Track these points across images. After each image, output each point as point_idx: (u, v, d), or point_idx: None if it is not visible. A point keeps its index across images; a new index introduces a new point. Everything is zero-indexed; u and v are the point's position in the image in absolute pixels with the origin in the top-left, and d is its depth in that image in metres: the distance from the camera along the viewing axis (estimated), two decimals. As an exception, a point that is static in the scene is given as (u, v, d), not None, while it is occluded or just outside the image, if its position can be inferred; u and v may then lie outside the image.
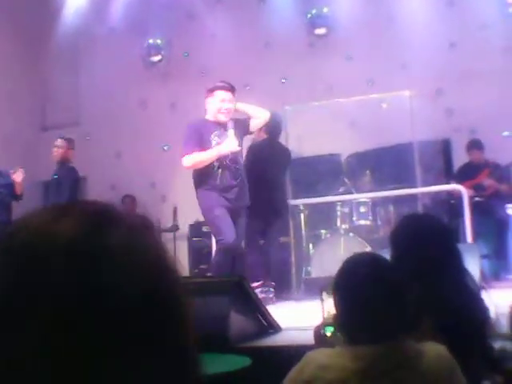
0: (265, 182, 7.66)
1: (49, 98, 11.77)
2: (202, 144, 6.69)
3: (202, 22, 11.00)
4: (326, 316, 3.60)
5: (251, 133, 7.31)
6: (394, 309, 2.17)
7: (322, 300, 3.70)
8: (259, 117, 7.16)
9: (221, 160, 6.66)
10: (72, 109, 11.64)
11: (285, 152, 8.29)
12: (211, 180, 6.69)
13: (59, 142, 9.07)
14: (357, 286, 2.21)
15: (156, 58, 11.58)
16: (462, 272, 2.84)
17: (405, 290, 2.25)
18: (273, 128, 8.08)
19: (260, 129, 7.87)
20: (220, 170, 6.68)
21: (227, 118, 6.80)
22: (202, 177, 6.76)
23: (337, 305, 2.28)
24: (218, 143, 6.70)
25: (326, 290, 3.74)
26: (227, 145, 6.64)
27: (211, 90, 6.93)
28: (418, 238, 2.87)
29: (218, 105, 6.84)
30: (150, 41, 11.50)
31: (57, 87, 11.52)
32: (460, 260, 2.87)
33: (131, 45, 11.27)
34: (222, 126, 6.80)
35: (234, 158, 6.74)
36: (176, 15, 11.04)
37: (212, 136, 6.74)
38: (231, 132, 6.69)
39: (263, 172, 7.71)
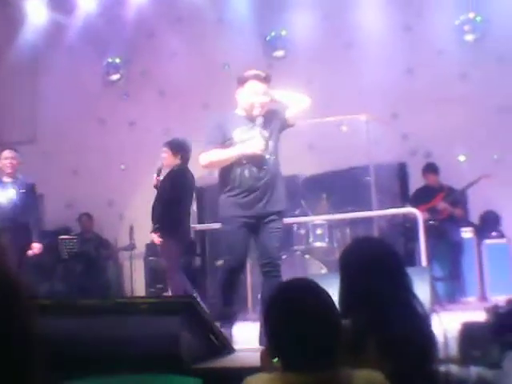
0: (183, 207, 7.73)
1: (5, 114, 11.66)
2: (224, 141, 5.80)
3: (161, 41, 11.03)
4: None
5: (292, 125, 6.04)
6: (328, 337, 2.16)
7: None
8: (296, 105, 5.94)
9: (242, 160, 5.72)
10: (29, 125, 11.55)
11: (193, 178, 8.02)
12: (231, 182, 5.78)
13: (12, 153, 8.55)
14: (289, 312, 2.20)
15: (115, 77, 11.57)
16: (409, 296, 2.86)
17: (338, 317, 2.25)
18: (186, 154, 7.96)
19: (175, 155, 7.82)
20: (240, 171, 5.74)
21: (258, 115, 5.79)
22: (223, 178, 5.88)
23: (269, 330, 2.27)
24: (242, 142, 5.77)
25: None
26: (252, 144, 5.70)
27: (242, 81, 5.89)
28: (365, 261, 2.88)
29: (249, 99, 5.81)
30: (109, 59, 11.49)
31: (13, 103, 11.45)
32: (407, 284, 2.89)
33: (90, 63, 11.27)
34: (252, 121, 5.82)
35: (259, 158, 5.72)
36: (135, 34, 11.05)
37: (236, 133, 5.80)
38: (258, 130, 5.75)
39: (181, 199, 7.71)
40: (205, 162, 5.88)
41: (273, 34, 10.85)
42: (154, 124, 10.88)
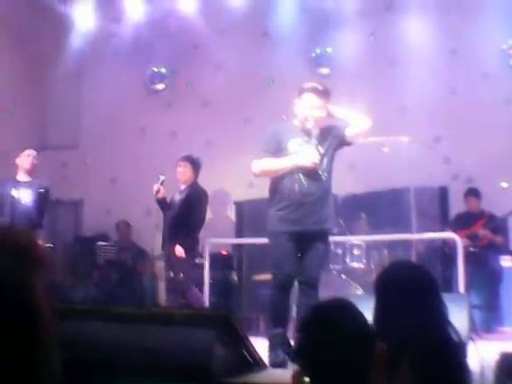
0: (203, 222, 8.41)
1: (50, 119, 11.78)
2: (279, 150, 5.74)
3: (206, 53, 11.06)
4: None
5: (349, 144, 5.98)
6: (362, 359, 2.13)
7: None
8: (357, 125, 5.89)
9: (294, 172, 5.64)
10: (72, 131, 11.65)
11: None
12: (280, 196, 5.73)
13: (34, 152, 8.71)
14: (323, 332, 2.17)
15: (159, 86, 11.63)
16: (443, 322, 2.81)
17: (373, 339, 2.21)
18: (199, 171, 8.48)
19: (195, 171, 8.32)
20: (290, 185, 5.67)
21: (314, 128, 5.72)
22: (273, 192, 5.83)
23: (302, 349, 2.25)
24: (296, 153, 5.71)
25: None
26: (305, 156, 5.62)
27: (300, 92, 5.82)
28: (402, 285, 2.85)
29: (305, 111, 5.76)
30: (155, 69, 11.56)
31: (58, 108, 11.56)
32: (442, 310, 2.85)
33: (135, 71, 11.34)
34: (307, 134, 5.75)
35: (311, 173, 5.64)
36: (181, 44, 11.10)
37: (291, 144, 5.74)
38: (313, 142, 5.66)
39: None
40: (257, 169, 5.84)
41: (318, 50, 10.83)
42: (195, 135, 10.91)
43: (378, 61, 10.29)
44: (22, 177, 8.54)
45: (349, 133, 5.87)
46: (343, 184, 9.72)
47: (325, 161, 5.77)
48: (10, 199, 8.36)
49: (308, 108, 5.75)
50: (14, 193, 8.38)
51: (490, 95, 9.76)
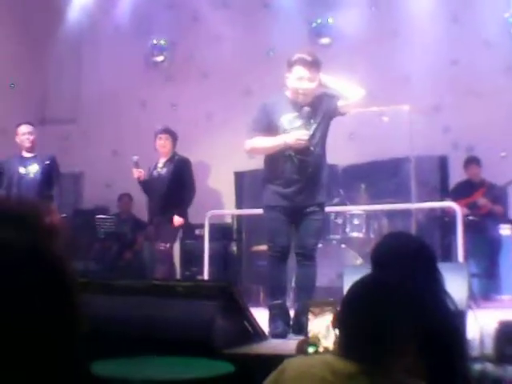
0: None
1: (49, 92, 11.76)
2: (270, 128, 5.76)
3: (206, 25, 11.01)
4: (310, 335, 3.58)
5: (343, 114, 5.91)
6: (391, 335, 2.15)
7: (307, 319, 3.68)
8: (350, 96, 5.82)
9: (286, 150, 5.67)
10: (72, 104, 11.63)
11: None
12: (274, 172, 5.80)
13: (29, 128, 8.66)
14: (365, 304, 2.20)
15: (159, 58, 11.58)
16: (440, 293, 2.82)
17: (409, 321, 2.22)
18: (176, 142, 8.60)
19: (174, 143, 8.45)
20: (283, 162, 5.71)
21: (305, 101, 5.72)
22: (267, 167, 5.90)
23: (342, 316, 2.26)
24: (286, 131, 5.72)
25: (311, 308, 3.73)
26: (295, 135, 5.63)
27: (289, 64, 5.75)
28: (396, 257, 2.85)
29: (294, 83, 5.72)
30: (154, 41, 11.51)
31: (58, 82, 11.52)
32: (439, 281, 2.85)
33: (135, 44, 11.29)
34: (299, 108, 5.73)
35: (303, 149, 5.66)
36: (181, 16, 11.06)
37: (283, 120, 5.73)
38: (304, 121, 5.68)
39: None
40: (248, 148, 5.93)
41: (319, 21, 10.77)
42: (196, 107, 10.90)
43: (379, 31, 10.24)
44: (26, 153, 8.59)
45: (341, 103, 5.82)
46: (343, 154, 9.73)
47: (317, 134, 5.77)
48: (16, 176, 8.44)
49: (297, 80, 5.71)
50: (21, 170, 8.45)
51: (492, 64, 9.73)
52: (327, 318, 3.63)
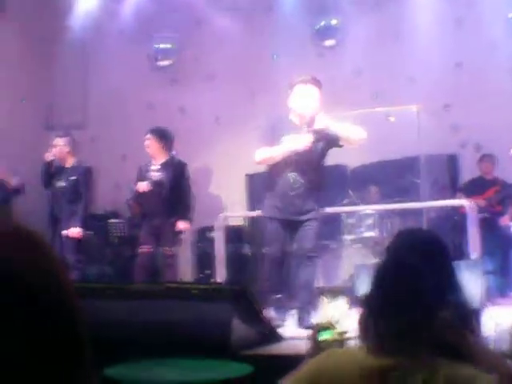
0: None
1: (56, 98, 11.78)
2: (275, 143, 6.17)
3: (210, 28, 11.02)
4: (323, 321, 3.62)
5: (340, 146, 6.36)
6: (421, 327, 2.16)
7: (320, 304, 3.71)
8: (351, 141, 6.33)
9: (286, 167, 6.15)
10: (79, 110, 11.65)
11: None
12: (272, 186, 6.35)
13: (61, 140, 8.74)
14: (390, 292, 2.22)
15: (165, 62, 11.59)
16: (454, 290, 2.82)
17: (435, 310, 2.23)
18: (171, 143, 8.58)
19: (160, 144, 8.38)
20: (280, 179, 6.23)
21: (308, 116, 6.11)
22: (268, 179, 6.47)
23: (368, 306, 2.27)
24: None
25: (324, 295, 3.76)
26: (298, 139, 6.04)
27: (290, 85, 6.21)
28: (410, 253, 2.86)
29: (297, 101, 6.14)
30: (160, 45, 11.52)
31: (64, 88, 11.54)
32: (454, 277, 2.86)
33: (140, 48, 11.30)
34: (301, 128, 6.12)
35: (302, 169, 6.18)
36: (185, 20, 11.07)
37: (286, 138, 6.13)
38: (305, 129, 6.06)
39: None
40: (258, 159, 6.35)
41: (323, 23, 10.76)
42: (203, 110, 10.91)
43: (383, 32, 10.24)
44: (66, 165, 8.71)
45: (342, 142, 6.26)
46: (352, 155, 9.74)
47: (314, 154, 6.18)
48: (53, 188, 8.62)
49: (299, 98, 6.14)
50: (57, 182, 8.59)
51: (496, 65, 9.72)
52: (340, 303, 3.67)
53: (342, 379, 2.15)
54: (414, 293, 2.19)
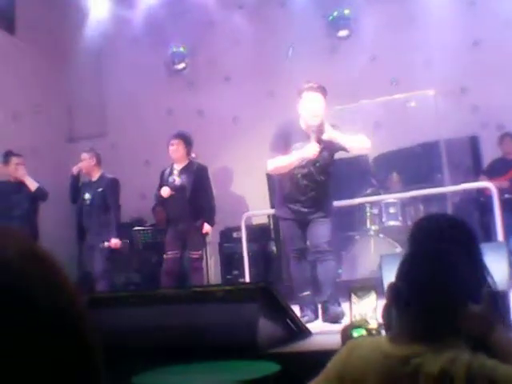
0: None
1: (74, 110, 11.85)
2: (286, 149, 6.39)
3: (223, 28, 11.03)
4: (357, 318, 3.61)
5: (347, 151, 6.63)
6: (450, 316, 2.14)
7: (350, 302, 3.70)
8: (355, 151, 6.78)
9: (296, 173, 6.41)
10: (98, 119, 11.72)
11: None
12: (283, 188, 6.63)
13: (85, 155, 8.90)
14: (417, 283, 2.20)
15: (180, 66, 11.62)
16: (484, 273, 2.79)
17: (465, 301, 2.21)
18: (191, 148, 8.64)
19: (187, 149, 8.49)
20: (290, 184, 6.49)
21: (316, 122, 6.32)
22: (278, 181, 6.79)
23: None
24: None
25: (355, 292, 3.75)
26: (306, 150, 6.28)
27: (299, 93, 6.46)
28: (432, 238, 2.83)
29: (306, 106, 6.38)
30: (174, 49, 11.54)
31: (82, 98, 11.60)
32: (479, 260, 2.83)
33: (154, 53, 11.34)
34: (310, 135, 6.36)
35: (309, 174, 6.43)
36: (197, 22, 11.08)
37: (295, 147, 6.38)
38: (313, 137, 6.29)
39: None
40: (270, 168, 6.60)
41: (335, 13, 10.73)
42: (221, 112, 10.91)
43: (396, 17, 10.19)
44: (92, 177, 8.91)
45: (348, 150, 6.52)
46: (372, 144, 9.70)
47: (321, 159, 6.39)
48: (81, 202, 8.79)
49: (308, 103, 6.36)
50: (84, 195, 8.75)
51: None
52: (372, 300, 3.66)
53: (367, 368, 2.14)
54: (441, 281, 2.17)
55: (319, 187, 6.48)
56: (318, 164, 6.41)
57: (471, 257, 2.81)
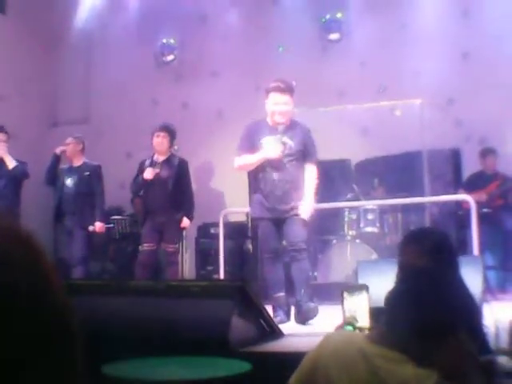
0: None
1: (60, 95, 11.79)
2: (253, 147, 6.51)
3: (214, 23, 11.02)
4: (346, 315, 3.63)
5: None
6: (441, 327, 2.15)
7: (342, 300, 3.72)
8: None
9: (265, 167, 6.46)
10: (83, 106, 11.67)
11: None
12: (256, 185, 6.68)
13: (70, 139, 8.93)
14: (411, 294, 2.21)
15: (169, 58, 11.59)
16: (459, 286, 2.82)
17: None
18: (174, 140, 8.63)
19: (172, 142, 8.49)
20: (262, 176, 6.51)
21: (283, 121, 6.50)
22: (251, 180, 6.92)
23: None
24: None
25: (347, 290, 3.76)
26: (268, 150, 6.42)
27: (266, 91, 6.60)
28: (418, 250, 2.86)
29: (271, 108, 6.53)
30: (163, 40, 11.52)
31: (68, 84, 11.55)
32: (457, 273, 2.86)
33: (144, 44, 11.31)
34: (276, 130, 6.50)
35: (278, 164, 6.45)
36: (189, 15, 11.07)
37: (262, 141, 6.49)
38: (278, 137, 6.42)
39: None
40: (236, 166, 6.71)
41: (328, 16, 10.75)
42: (207, 105, 10.89)
43: (388, 25, 10.22)
44: (74, 163, 8.94)
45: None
46: (356, 149, 9.74)
47: (293, 147, 6.49)
48: (63, 188, 8.79)
49: (274, 105, 6.49)
50: (66, 181, 8.78)
51: (502, 56, 9.67)
52: (362, 298, 3.68)
53: (338, 361, 2.16)
54: (424, 292, 2.19)
55: (293, 179, 6.48)
56: (288, 158, 6.46)
57: (450, 271, 2.84)
